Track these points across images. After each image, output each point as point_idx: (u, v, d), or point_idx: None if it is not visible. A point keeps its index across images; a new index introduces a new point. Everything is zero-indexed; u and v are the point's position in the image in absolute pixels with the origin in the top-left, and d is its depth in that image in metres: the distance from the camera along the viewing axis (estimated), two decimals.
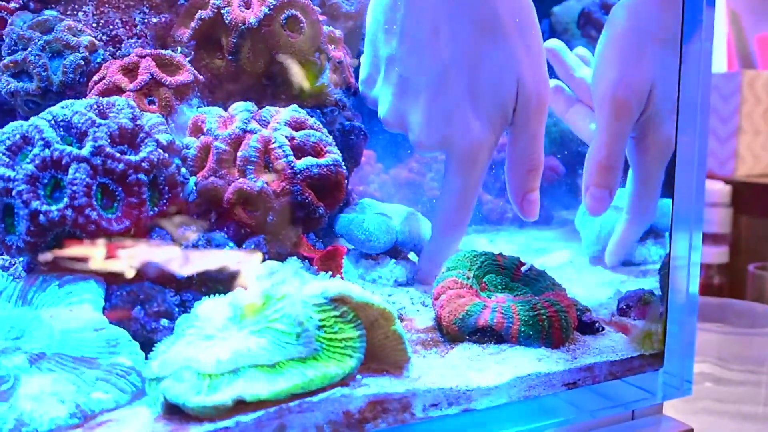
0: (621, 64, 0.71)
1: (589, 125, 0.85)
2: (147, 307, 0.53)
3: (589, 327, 0.62)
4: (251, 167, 0.55)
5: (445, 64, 0.63)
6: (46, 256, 0.52)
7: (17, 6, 0.64)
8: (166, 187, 0.53)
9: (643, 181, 0.77)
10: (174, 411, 0.45)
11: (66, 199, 0.49)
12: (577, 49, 0.89)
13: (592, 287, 0.75)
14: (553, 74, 0.86)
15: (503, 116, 0.65)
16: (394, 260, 0.71)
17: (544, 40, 1.07)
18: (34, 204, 0.49)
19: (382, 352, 0.50)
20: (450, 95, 0.64)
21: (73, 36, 0.62)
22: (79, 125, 0.51)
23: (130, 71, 0.61)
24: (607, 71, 0.72)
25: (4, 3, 0.63)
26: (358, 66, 0.74)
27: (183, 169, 0.56)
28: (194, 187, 0.57)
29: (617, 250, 0.81)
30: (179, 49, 0.66)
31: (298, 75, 0.67)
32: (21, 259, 0.54)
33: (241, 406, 0.44)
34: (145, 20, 0.67)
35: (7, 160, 0.51)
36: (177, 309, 0.54)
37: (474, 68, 0.63)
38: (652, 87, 0.70)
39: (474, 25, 0.62)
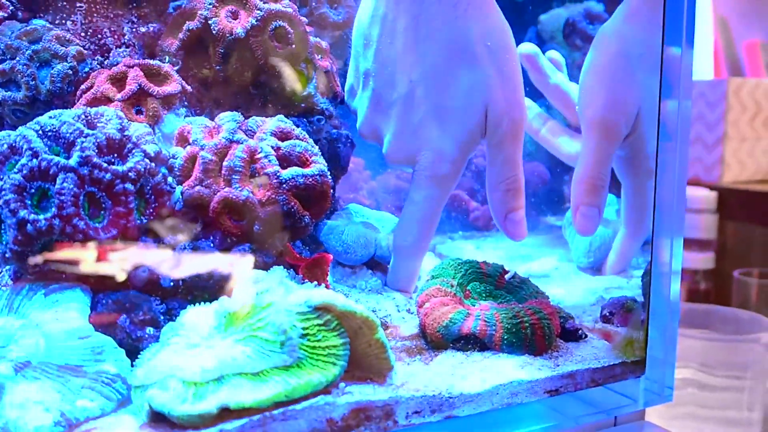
0: (610, 87, 0.72)
1: (562, 141, 0.86)
2: (133, 315, 0.53)
3: (572, 334, 0.62)
4: (237, 177, 0.56)
5: (414, 82, 0.64)
6: (32, 265, 0.52)
7: (5, 15, 0.64)
8: (153, 197, 0.54)
9: (636, 195, 0.78)
10: (159, 419, 0.46)
11: (53, 209, 0.49)
12: (549, 53, 0.90)
13: (575, 294, 0.76)
14: (527, 79, 0.87)
15: (470, 137, 0.65)
16: (371, 272, 0.72)
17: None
18: (22, 213, 0.49)
19: (365, 361, 0.51)
20: (417, 113, 0.65)
21: (61, 46, 0.62)
22: (67, 135, 0.51)
23: (118, 81, 0.61)
24: (596, 94, 0.73)
25: None
26: (345, 75, 0.75)
27: (170, 179, 0.56)
28: (180, 196, 0.57)
29: (618, 265, 0.82)
30: (167, 58, 0.66)
31: (285, 85, 0.68)
32: (7, 267, 0.54)
33: (225, 413, 0.45)
34: (134, 30, 0.67)
35: None
36: (162, 317, 0.54)
37: (441, 89, 0.64)
38: (639, 108, 0.71)
39: (444, 46, 0.64)
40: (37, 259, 0.52)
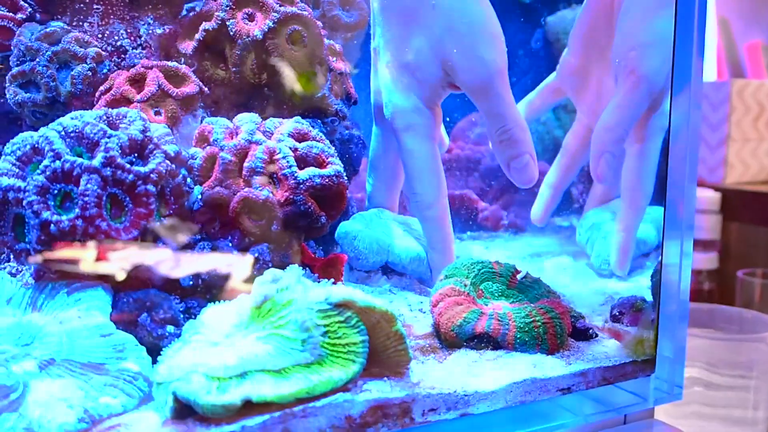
0: (660, 42, 0.72)
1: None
2: (153, 313, 0.54)
3: (583, 333, 0.63)
4: (257, 177, 0.57)
5: (380, 48, 0.73)
6: (55, 264, 0.53)
7: (24, 17, 0.65)
8: (173, 197, 0.55)
9: (639, 158, 0.79)
10: (181, 415, 0.46)
11: (77, 210, 0.50)
12: None
13: (585, 294, 0.76)
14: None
15: (432, 91, 0.71)
16: (385, 277, 0.73)
17: (539, 48, 1.08)
18: (45, 215, 0.50)
19: (383, 354, 0.51)
20: (388, 75, 0.72)
21: (80, 47, 0.63)
22: (91, 136, 0.52)
23: (137, 82, 0.62)
24: (648, 47, 0.73)
25: (11, 14, 0.64)
26: (357, 76, 0.77)
27: (189, 179, 0.57)
28: (199, 196, 0.58)
29: (624, 242, 0.81)
30: (182, 60, 0.67)
31: (300, 86, 0.68)
32: (30, 266, 0.55)
33: (247, 409, 0.46)
34: (150, 31, 0.68)
35: (18, 170, 0.52)
36: (182, 316, 0.55)
37: (400, 51, 0.71)
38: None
39: (398, 14, 0.71)
40: (59, 259, 0.53)
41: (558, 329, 0.59)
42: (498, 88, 0.67)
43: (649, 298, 0.67)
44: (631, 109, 0.73)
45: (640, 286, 0.79)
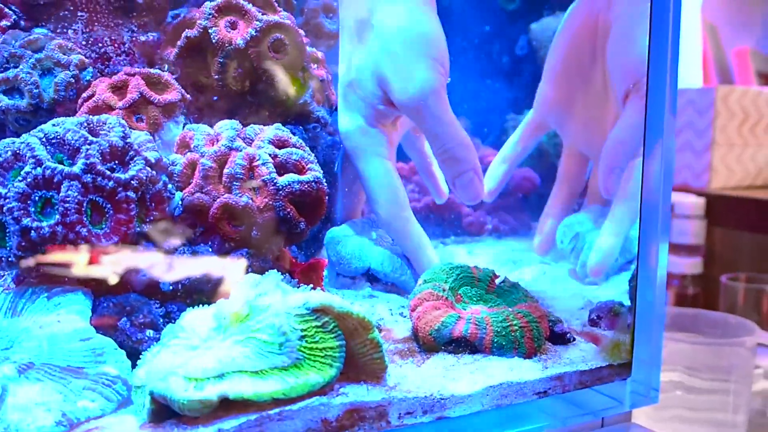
0: (642, 50, 0.73)
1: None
2: (133, 318, 0.55)
3: (561, 337, 0.64)
4: (237, 183, 0.57)
5: (339, 62, 0.75)
6: (35, 269, 0.53)
7: (8, 24, 0.66)
8: (153, 204, 0.55)
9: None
10: (159, 417, 0.47)
11: (57, 216, 0.51)
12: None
13: (564, 298, 0.77)
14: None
15: (374, 110, 0.71)
16: (369, 284, 0.74)
17: (523, 55, 1.09)
18: (25, 221, 0.51)
19: (360, 361, 0.52)
20: (340, 92, 0.74)
21: (64, 54, 0.64)
22: (72, 142, 0.53)
23: (119, 89, 0.63)
24: (639, 58, 0.74)
25: None
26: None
27: (170, 186, 0.58)
28: (180, 202, 0.59)
29: (604, 263, 0.81)
30: (166, 67, 0.68)
31: (282, 94, 0.69)
32: (10, 271, 0.56)
33: (224, 410, 0.46)
34: (134, 38, 0.69)
35: None
36: (162, 320, 0.56)
37: (347, 69, 0.73)
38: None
39: (347, 31, 0.73)
40: (39, 264, 0.53)
41: (535, 333, 0.60)
42: (432, 108, 0.68)
43: (627, 302, 0.68)
44: (639, 120, 0.73)
45: (618, 290, 0.80)
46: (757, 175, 1.56)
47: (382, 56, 0.69)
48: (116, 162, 0.54)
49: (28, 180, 0.51)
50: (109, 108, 0.61)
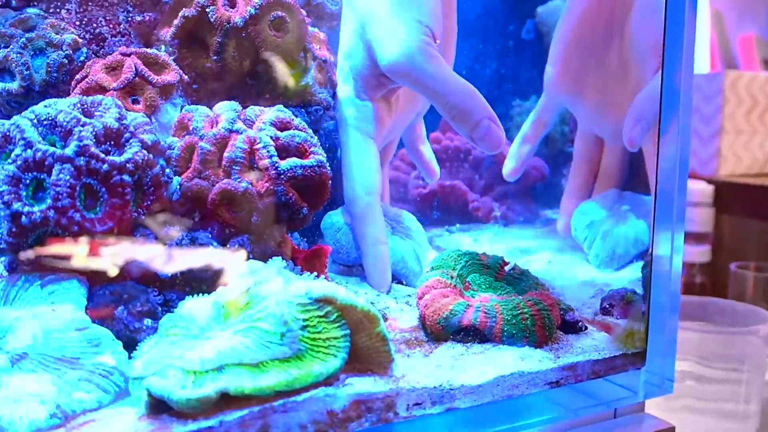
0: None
1: None
2: (130, 306, 0.53)
3: (572, 326, 0.62)
4: (237, 168, 0.55)
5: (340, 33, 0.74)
6: (27, 256, 0.51)
7: None
8: (151, 188, 0.53)
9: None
10: (157, 410, 0.45)
11: (49, 200, 0.49)
12: None
13: (575, 286, 0.75)
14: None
15: (365, 81, 0.70)
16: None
17: (531, 40, 1.07)
18: (16, 205, 0.49)
19: (366, 353, 0.50)
20: (338, 60, 0.74)
21: (56, 34, 0.62)
22: (64, 123, 0.50)
23: (114, 70, 0.61)
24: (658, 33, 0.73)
25: None
26: None
27: (168, 170, 0.56)
28: (178, 187, 0.57)
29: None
30: (163, 48, 0.65)
31: (283, 74, 0.67)
32: (2, 258, 0.54)
33: (224, 404, 0.44)
34: (129, 19, 0.66)
35: None
36: (160, 308, 0.54)
37: (342, 39, 0.72)
38: None
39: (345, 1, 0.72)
40: (32, 251, 0.51)
41: (546, 321, 0.58)
42: (422, 66, 0.63)
43: (640, 290, 0.66)
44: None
45: (630, 278, 0.78)
46: (765, 163, 1.53)
47: (369, 20, 0.67)
48: (111, 144, 0.52)
49: (18, 163, 0.49)
50: (103, 89, 0.59)
